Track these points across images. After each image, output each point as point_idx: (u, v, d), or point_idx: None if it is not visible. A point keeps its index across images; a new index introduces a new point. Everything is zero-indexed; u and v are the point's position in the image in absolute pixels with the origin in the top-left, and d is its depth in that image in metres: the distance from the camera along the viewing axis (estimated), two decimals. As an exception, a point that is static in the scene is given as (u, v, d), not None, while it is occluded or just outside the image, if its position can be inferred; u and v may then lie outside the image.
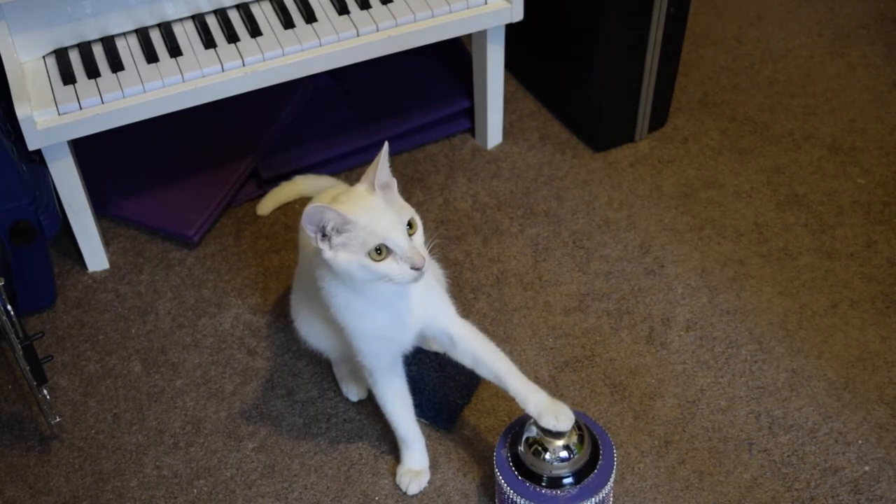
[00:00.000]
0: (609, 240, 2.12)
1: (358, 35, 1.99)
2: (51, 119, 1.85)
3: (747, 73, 2.50)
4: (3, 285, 1.65)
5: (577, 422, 1.58)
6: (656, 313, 1.99)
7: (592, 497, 1.55)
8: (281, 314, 2.01)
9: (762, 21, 2.64)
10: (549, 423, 1.54)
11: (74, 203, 2.00)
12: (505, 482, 1.57)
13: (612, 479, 1.57)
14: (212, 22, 2.01)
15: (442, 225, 2.16)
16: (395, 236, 1.40)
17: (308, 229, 1.41)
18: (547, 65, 2.37)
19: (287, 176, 2.10)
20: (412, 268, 1.41)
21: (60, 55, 1.94)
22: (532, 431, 1.57)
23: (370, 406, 1.85)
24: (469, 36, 2.24)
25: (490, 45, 2.15)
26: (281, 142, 2.30)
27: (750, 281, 2.03)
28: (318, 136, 2.30)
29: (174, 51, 1.94)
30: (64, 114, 1.86)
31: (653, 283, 2.04)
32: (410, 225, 1.43)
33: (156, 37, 1.98)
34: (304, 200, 2.21)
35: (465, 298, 2.02)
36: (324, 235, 1.42)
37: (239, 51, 1.95)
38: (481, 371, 1.61)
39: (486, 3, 2.06)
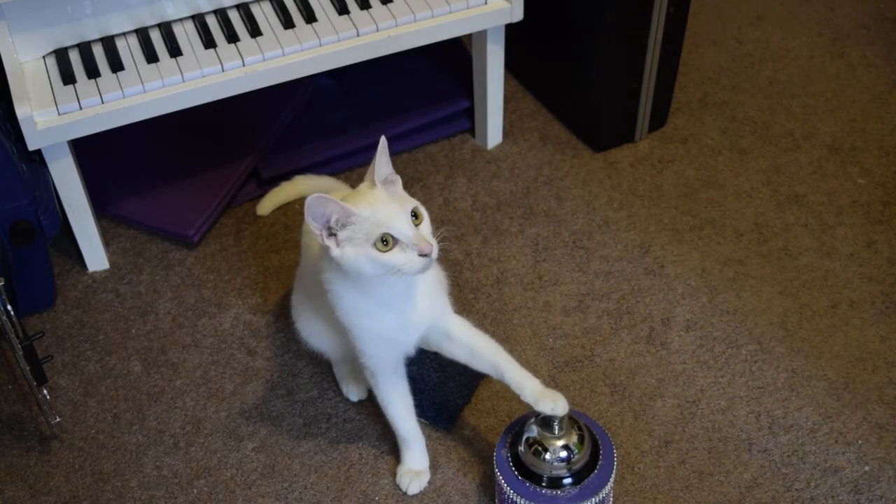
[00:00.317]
0: (609, 240, 2.12)
1: (358, 35, 1.99)
2: (51, 119, 1.85)
3: (747, 73, 2.50)
4: (3, 285, 1.65)
5: (577, 422, 1.58)
6: (656, 313, 1.99)
7: (592, 497, 1.55)
8: (281, 314, 2.01)
9: (762, 21, 2.64)
10: (546, 407, 1.54)
11: (74, 203, 2.00)
12: (505, 482, 1.57)
13: (612, 479, 1.57)
14: (212, 22, 2.01)
15: (442, 225, 2.16)
16: (399, 224, 1.40)
17: (313, 226, 1.41)
18: (547, 65, 2.37)
19: (287, 176, 2.10)
20: (420, 254, 1.40)
21: (60, 55, 1.94)
22: (532, 431, 1.57)
23: (370, 406, 1.85)
24: (469, 36, 2.24)
25: (490, 45, 2.15)
26: (281, 142, 2.30)
27: (750, 281, 2.03)
28: (318, 136, 2.30)
29: (174, 51, 1.94)
30: (64, 114, 1.86)
31: (653, 283, 2.04)
32: (416, 215, 1.43)
33: (156, 37, 1.98)
34: (303, 200, 2.21)
35: (465, 298, 2.02)
36: (329, 233, 1.41)
37: (239, 51, 1.95)
38: (478, 364, 1.62)
39: (486, 3, 2.06)
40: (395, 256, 1.40)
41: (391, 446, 1.79)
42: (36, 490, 1.78)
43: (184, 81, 1.91)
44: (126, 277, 2.10)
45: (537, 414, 1.58)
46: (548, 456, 1.54)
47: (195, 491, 1.77)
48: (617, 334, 1.96)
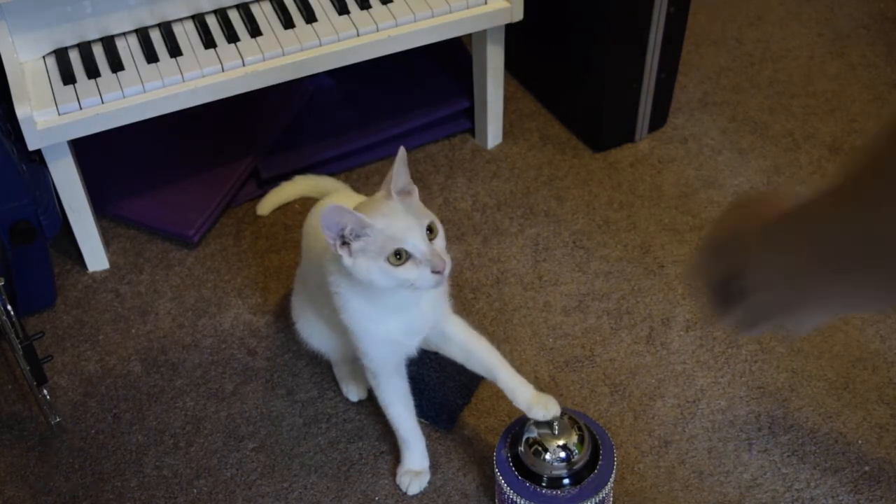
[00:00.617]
0: (609, 240, 2.12)
1: (358, 35, 1.99)
2: (51, 119, 1.85)
3: (747, 73, 2.50)
4: (3, 285, 1.65)
5: (576, 422, 1.58)
6: (656, 313, 1.99)
7: (592, 497, 1.55)
8: (281, 314, 2.01)
9: (762, 21, 2.64)
10: (538, 413, 1.55)
11: (74, 203, 2.00)
12: (505, 482, 1.57)
13: (612, 479, 1.57)
14: (212, 22, 2.01)
15: (442, 225, 2.16)
16: (414, 239, 1.39)
17: (326, 235, 1.40)
18: (547, 65, 2.37)
19: (287, 176, 2.10)
20: (433, 271, 1.39)
21: (60, 55, 1.94)
22: (532, 432, 1.57)
23: (370, 406, 1.85)
24: (469, 36, 2.24)
25: (490, 45, 2.15)
26: (281, 142, 2.30)
27: (750, 281, 2.03)
28: (318, 136, 2.30)
29: (174, 51, 1.94)
30: (64, 114, 1.86)
31: (653, 283, 2.04)
32: (431, 229, 1.42)
33: (156, 37, 1.98)
34: (304, 200, 2.22)
35: (465, 298, 2.02)
36: (343, 242, 1.41)
37: (239, 51, 1.95)
38: (473, 365, 1.62)
39: (486, 3, 2.06)
40: (408, 272, 1.39)
41: (391, 446, 1.79)
42: (36, 490, 1.78)
43: (184, 81, 1.91)
44: (126, 277, 2.10)
45: (537, 414, 1.58)
46: (548, 456, 1.54)
47: (195, 491, 1.77)
48: (617, 334, 1.96)
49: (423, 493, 1.73)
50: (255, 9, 2.03)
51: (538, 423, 1.57)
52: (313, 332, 1.78)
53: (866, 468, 1.74)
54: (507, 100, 2.40)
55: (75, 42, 1.96)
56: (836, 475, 1.73)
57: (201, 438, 1.84)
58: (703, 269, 0.77)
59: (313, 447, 1.81)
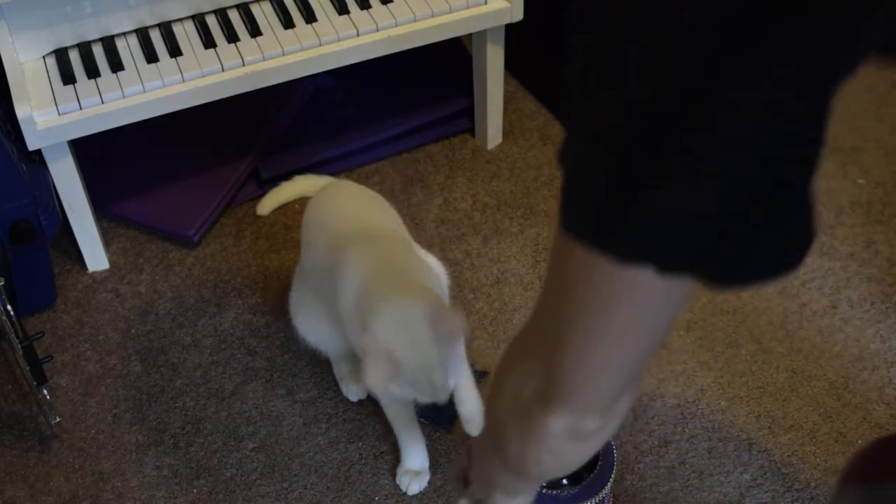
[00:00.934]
0: (609, 240, 2.12)
1: (358, 35, 1.99)
2: (51, 119, 1.85)
3: (747, 73, 2.49)
4: (3, 285, 1.65)
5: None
6: (656, 313, 1.98)
7: (592, 497, 1.55)
8: (281, 314, 2.01)
9: (762, 21, 2.64)
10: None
11: (74, 203, 2.00)
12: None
13: (611, 479, 1.57)
14: (212, 22, 2.01)
15: (442, 225, 2.16)
16: (437, 379, 1.45)
17: (368, 362, 1.42)
18: (547, 65, 2.37)
19: (287, 176, 2.10)
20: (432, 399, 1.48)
21: (60, 55, 1.94)
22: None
23: (370, 406, 1.85)
24: (469, 36, 2.23)
25: (490, 45, 2.15)
26: (281, 142, 2.30)
27: (750, 281, 2.03)
28: (318, 136, 2.30)
29: (174, 51, 1.94)
30: (64, 114, 1.86)
31: (653, 283, 2.04)
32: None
33: (156, 37, 1.98)
34: (304, 200, 2.21)
35: (465, 298, 2.02)
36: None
37: (239, 51, 1.95)
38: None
39: (486, 2, 2.06)
40: (415, 393, 1.49)
41: (391, 446, 1.79)
42: (36, 490, 1.78)
43: (184, 81, 1.91)
44: (126, 277, 2.10)
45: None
46: (548, 456, 1.54)
47: (195, 491, 1.77)
48: (617, 334, 1.95)
49: (422, 493, 1.73)
50: (255, 9, 2.03)
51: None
52: (312, 328, 1.78)
53: (866, 468, 1.74)
54: (507, 100, 2.40)
55: (75, 42, 1.96)
56: (836, 475, 1.73)
57: (201, 438, 1.84)
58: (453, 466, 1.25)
59: (313, 447, 1.81)
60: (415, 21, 2.02)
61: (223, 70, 1.93)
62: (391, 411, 1.69)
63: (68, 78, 1.89)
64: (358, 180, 2.26)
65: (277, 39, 1.97)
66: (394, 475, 1.76)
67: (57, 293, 2.06)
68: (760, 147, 0.63)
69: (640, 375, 0.84)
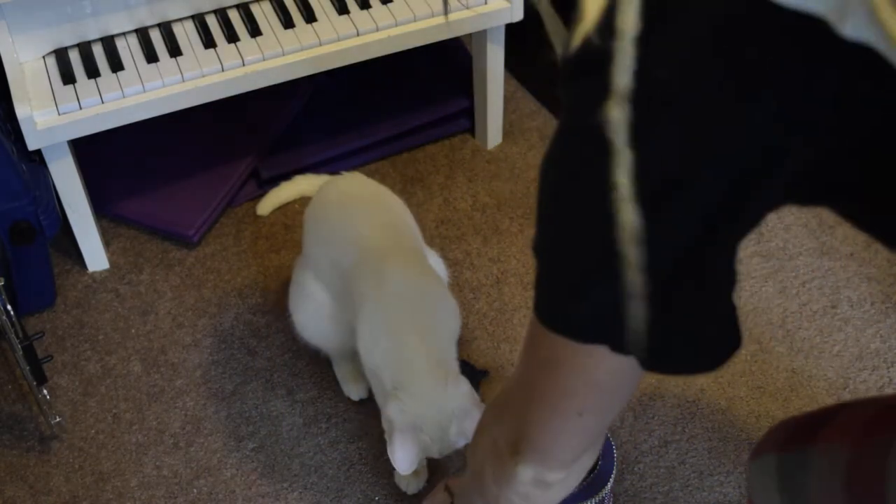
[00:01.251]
0: (609, 240, 2.12)
1: (358, 35, 1.99)
2: (51, 119, 1.85)
3: (747, 73, 2.49)
4: (3, 285, 1.65)
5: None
6: (656, 313, 1.98)
7: (592, 497, 1.55)
8: (281, 314, 2.01)
9: (762, 21, 2.64)
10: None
11: (74, 203, 2.00)
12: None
13: (612, 479, 1.57)
14: (212, 22, 2.01)
15: (442, 225, 2.16)
16: (450, 448, 1.51)
17: (397, 442, 1.47)
18: (547, 65, 2.37)
19: (287, 176, 2.10)
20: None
21: (60, 55, 1.94)
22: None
23: (370, 405, 1.85)
24: (469, 36, 2.24)
25: (490, 45, 2.15)
26: (281, 142, 2.30)
27: (750, 281, 2.03)
28: (318, 136, 2.30)
29: (174, 51, 1.94)
30: (64, 114, 1.86)
31: (653, 283, 2.04)
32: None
33: (156, 37, 1.98)
34: (304, 200, 2.21)
35: (465, 298, 2.02)
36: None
37: (239, 51, 1.95)
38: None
39: (486, 3, 2.06)
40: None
41: (391, 446, 1.79)
42: (36, 490, 1.78)
43: (184, 81, 1.92)
44: (126, 277, 2.10)
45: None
46: (548, 456, 1.54)
47: (195, 491, 1.77)
48: (617, 334, 1.95)
49: (421, 492, 1.73)
50: (255, 9, 2.03)
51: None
52: (312, 326, 1.78)
53: (866, 468, 1.74)
54: (507, 100, 2.40)
55: (75, 42, 1.96)
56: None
57: (201, 438, 1.84)
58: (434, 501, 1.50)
59: (313, 447, 1.82)
60: (415, 21, 2.02)
61: (223, 70, 1.93)
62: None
63: (68, 78, 1.89)
64: (358, 180, 2.26)
65: (277, 39, 1.97)
66: (393, 475, 1.76)
67: (57, 293, 2.06)
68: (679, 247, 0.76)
69: (602, 437, 1.00)
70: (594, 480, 1.56)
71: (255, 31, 1.98)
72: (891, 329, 1.94)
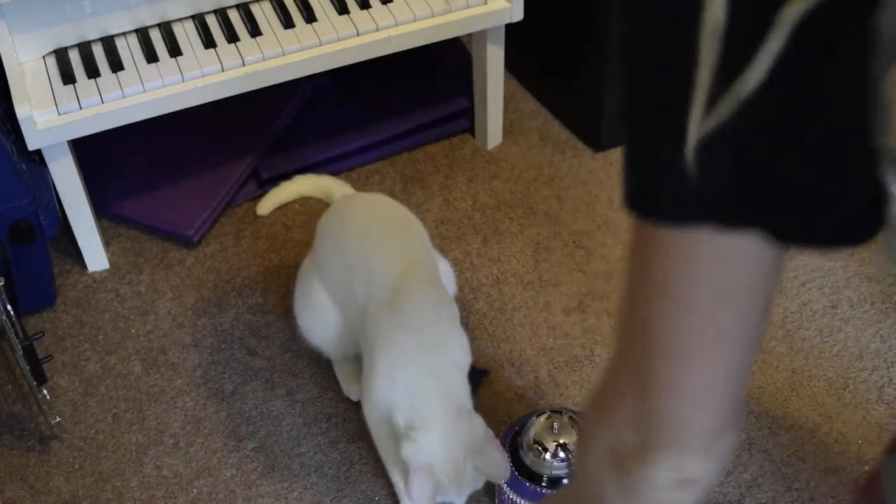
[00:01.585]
0: (609, 240, 2.12)
1: (358, 35, 1.99)
2: (51, 119, 1.85)
3: (747, 73, 2.49)
4: (3, 285, 1.65)
5: (577, 422, 1.58)
6: (656, 313, 1.98)
7: (592, 497, 1.55)
8: (281, 314, 2.01)
9: (762, 21, 2.64)
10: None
11: (74, 203, 2.00)
12: (505, 482, 1.57)
13: (612, 479, 1.57)
14: (212, 22, 2.01)
15: (442, 225, 2.16)
16: (466, 492, 1.52)
17: (413, 481, 1.46)
18: (547, 65, 2.37)
19: (287, 176, 2.10)
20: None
21: (60, 55, 1.94)
22: (532, 431, 1.57)
23: (370, 406, 1.85)
24: (469, 36, 2.24)
25: (490, 45, 2.15)
26: (281, 142, 2.30)
27: (750, 281, 2.03)
28: (318, 136, 2.30)
29: (174, 51, 1.94)
30: (64, 114, 1.86)
31: (653, 283, 2.04)
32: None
33: (156, 37, 1.98)
34: (304, 200, 2.22)
35: (465, 298, 2.02)
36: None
37: (239, 51, 1.95)
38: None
39: (486, 2, 2.06)
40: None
41: (391, 446, 1.79)
42: (36, 490, 1.78)
43: (184, 81, 1.91)
44: (126, 277, 2.10)
45: (537, 414, 1.58)
46: (548, 456, 1.54)
47: (195, 491, 1.77)
48: (617, 334, 1.95)
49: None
50: (255, 9, 2.03)
51: (539, 423, 1.57)
52: (318, 330, 1.77)
53: (866, 468, 1.74)
54: (507, 100, 2.40)
55: (75, 42, 1.96)
56: (836, 475, 1.73)
57: (201, 438, 1.84)
58: None
59: (313, 447, 1.82)
60: (415, 21, 2.02)
61: (223, 70, 1.93)
62: (389, 457, 1.66)
63: (68, 78, 1.89)
64: (358, 180, 2.26)
65: (277, 39, 1.97)
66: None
67: (57, 293, 2.06)
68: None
69: (741, 406, 0.78)
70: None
71: (255, 31, 1.98)
72: (891, 329, 1.94)
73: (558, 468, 1.54)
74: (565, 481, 1.55)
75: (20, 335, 1.68)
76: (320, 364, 1.92)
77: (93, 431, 1.86)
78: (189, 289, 2.08)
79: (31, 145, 1.85)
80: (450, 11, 2.04)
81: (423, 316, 1.59)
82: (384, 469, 1.77)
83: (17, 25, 1.89)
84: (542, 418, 1.57)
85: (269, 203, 2.19)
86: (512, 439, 1.60)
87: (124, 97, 1.89)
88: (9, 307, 1.66)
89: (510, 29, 2.19)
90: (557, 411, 1.59)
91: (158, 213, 2.17)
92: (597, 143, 2.31)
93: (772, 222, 0.64)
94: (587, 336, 1.96)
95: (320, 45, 1.98)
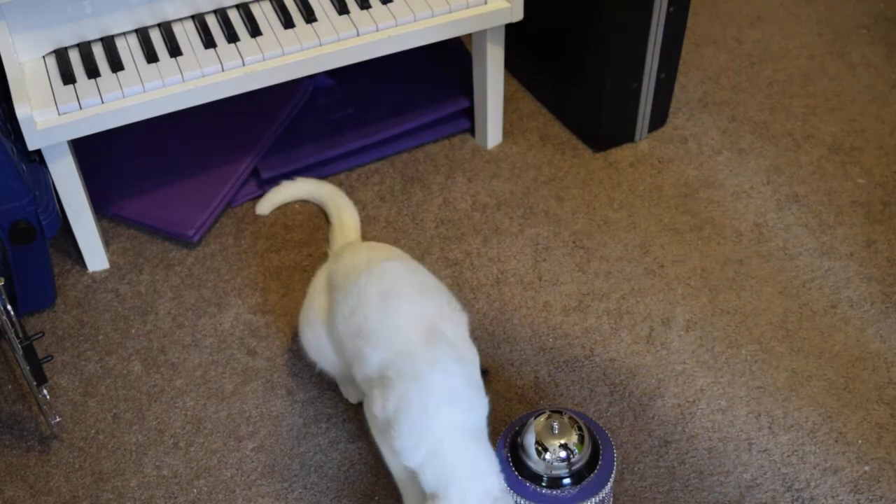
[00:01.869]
0: (609, 240, 2.12)
1: (358, 35, 1.99)
2: (51, 119, 1.85)
3: (747, 73, 2.50)
4: (3, 285, 1.65)
5: (577, 422, 1.58)
6: (656, 313, 1.99)
7: (592, 497, 1.55)
8: (281, 314, 2.01)
9: (762, 21, 2.64)
10: None
11: (74, 203, 2.00)
12: (505, 482, 1.57)
13: (612, 479, 1.57)
14: (212, 22, 2.01)
15: (442, 225, 2.16)
16: None
17: None
18: (547, 65, 2.37)
19: (287, 176, 2.10)
20: None
21: (60, 55, 1.94)
22: (532, 432, 1.57)
23: (370, 406, 1.85)
24: (469, 36, 2.24)
25: (490, 45, 2.15)
26: (281, 142, 2.30)
27: (750, 281, 2.03)
28: (318, 136, 2.30)
29: (174, 51, 1.94)
30: (64, 114, 1.86)
31: (653, 283, 2.04)
32: None
33: (156, 37, 1.98)
34: (303, 201, 2.22)
35: (465, 298, 2.02)
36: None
37: (239, 51, 1.95)
38: None
39: (486, 3, 2.06)
40: None
41: (391, 446, 1.79)
42: (36, 490, 1.78)
43: (184, 81, 1.91)
44: (126, 277, 2.10)
45: (537, 414, 1.58)
46: (548, 456, 1.54)
47: (195, 491, 1.77)
48: (617, 334, 1.96)
49: (423, 493, 1.73)
50: (255, 9, 2.03)
51: (539, 423, 1.57)
52: (325, 359, 1.77)
53: (866, 468, 1.74)
54: (507, 100, 2.40)
55: (75, 42, 1.96)
56: (836, 475, 1.73)
57: (201, 438, 1.84)
58: None
59: (313, 447, 1.82)
60: (415, 21, 2.02)
61: (223, 70, 1.93)
62: (402, 480, 1.65)
63: (68, 78, 1.89)
64: (358, 180, 2.26)
65: (277, 39, 1.97)
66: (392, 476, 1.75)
67: (57, 293, 2.06)
68: None
69: None
70: (594, 480, 1.56)
71: (255, 31, 1.98)
72: (891, 329, 1.94)
73: (558, 468, 1.54)
74: (565, 481, 1.55)
75: (20, 335, 1.68)
76: (320, 364, 1.92)
77: (93, 431, 1.86)
78: (189, 289, 2.08)
79: (31, 145, 1.85)
80: (450, 11, 2.04)
81: (448, 385, 1.56)
82: (384, 469, 1.77)
83: (17, 25, 1.89)
84: (542, 418, 1.57)
85: (269, 203, 2.19)
86: (512, 439, 1.60)
87: (124, 97, 1.89)
88: (9, 307, 1.66)
89: (510, 29, 2.19)
90: (557, 411, 1.59)
91: (158, 213, 2.17)
92: (597, 143, 2.31)
93: None
94: (587, 336, 1.96)
95: (320, 45, 1.98)
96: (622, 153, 2.30)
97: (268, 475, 1.78)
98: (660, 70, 2.22)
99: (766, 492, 1.72)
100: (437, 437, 1.50)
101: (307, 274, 2.06)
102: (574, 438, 1.55)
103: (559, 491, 1.55)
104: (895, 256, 2.07)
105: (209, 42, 1.96)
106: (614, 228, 2.14)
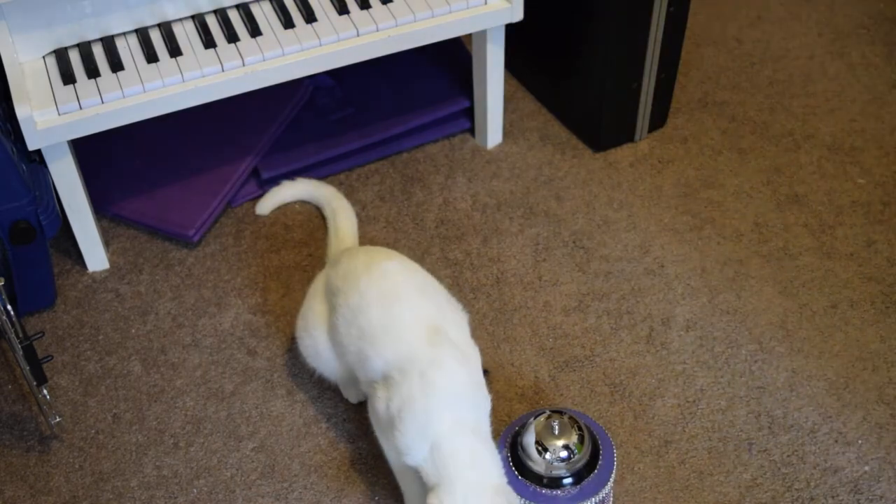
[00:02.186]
0: (609, 240, 2.12)
1: (358, 35, 1.99)
2: (51, 119, 1.85)
3: (747, 73, 2.50)
4: (3, 285, 1.65)
5: (577, 422, 1.58)
6: (656, 313, 1.99)
7: (592, 497, 1.55)
8: (281, 314, 2.01)
9: (762, 21, 2.64)
10: None
11: (74, 203, 2.00)
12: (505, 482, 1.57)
13: (612, 479, 1.57)
14: (212, 22, 2.01)
15: (442, 225, 2.16)
16: None
17: None
18: (547, 65, 2.37)
19: (287, 176, 2.10)
20: None
21: (60, 55, 1.94)
22: (532, 432, 1.57)
23: (370, 406, 1.85)
24: (469, 36, 2.24)
25: (490, 45, 2.15)
26: (281, 142, 2.30)
27: (750, 281, 2.03)
28: (318, 136, 2.30)
29: (174, 51, 1.94)
30: (64, 114, 1.86)
31: (653, 283, 2.04)
32: None
33: (156, 37, 1.98)
34: (303, 201, 2.22)
35: (465, 298, 2.02)
36: None
37: (239, 51, 1.95)
38: None
39: (486, 3, 2.06)
40: None
41: (391, 446, 1.79)
42: (36, 490, 1.78)
43: (184, 81, 1.91)
44: (126, 277, 2.10)
45: (537, 414, 1.58)
46: (548, 456, 1.54)
47: (195, 491, 1.77)
48: (617, 334, 1.96)
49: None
50: (255, 9, 2.03)
51: (539, 423, 1.57)
52: (325, 366, 1.77)
53: (866, 468, 1.74)
54: (507, 100, 2.40)
55: (75, 42, 1.96)
56: (836, 475, 1.73)
57: (201, 438, 1.84)
58: None
59: (313, 447, 1.82)
60: (415, 21, 2.02)
61: (223, 70, 1.93)
62: (404, 478, 1.65)
63: (68, 78, 1.89)
64: (358, 180, 2.26)
65: (277, 39, 1.97)
66: (393, 476, 1.75)
67: (57, 293, 2.06)
68: None
69: None
70: (594, 480, 1.56)
71: (255, 31, 1.98)
72: (891, 329, 1.94)
73: (558, 468, 1.54)
74: (565, 481, 1.55)
75: (20, 335, 1.68)
76: (320, 364, 1.92)
77: (93, 431, 1.86)
78: (189, 289, 2.08)
79: (31, 145, 1.85)
80: (450, 11, 2.04)
81: (453, 384, 1.56)
82: (384, 469, 1.77)
83: (17, 25, 1.89)
84: (542, 418, 1.57)
85: (269, 203, 2.19)
86: (512, 439, 1.60)
87: (124, 97, 1.89)
88: (9, 307, 1.66)
89: (510, 29, 2.19)
90: (557, 411, 1.59)
91: (158, 213, 2.17)
92: (597, 143, 2.31)
93: None
94: (587, 336, 1.96)
95: (320, 45, 1.98)
96: (622, 153, 2.30)
97: (268, 475, 1.78)
98: (660, 70, 2.22)
99: (766, 492, 1.72)
100: (439, 435, 1.51)
101: (307, 274, 2.07)
102: (574, 438, 1.55)
103: (559, 491, 1.55)
104: (895, 256, 2.07)
105: (209, 42, 1.96)
106: (614, 228, 2.14)
